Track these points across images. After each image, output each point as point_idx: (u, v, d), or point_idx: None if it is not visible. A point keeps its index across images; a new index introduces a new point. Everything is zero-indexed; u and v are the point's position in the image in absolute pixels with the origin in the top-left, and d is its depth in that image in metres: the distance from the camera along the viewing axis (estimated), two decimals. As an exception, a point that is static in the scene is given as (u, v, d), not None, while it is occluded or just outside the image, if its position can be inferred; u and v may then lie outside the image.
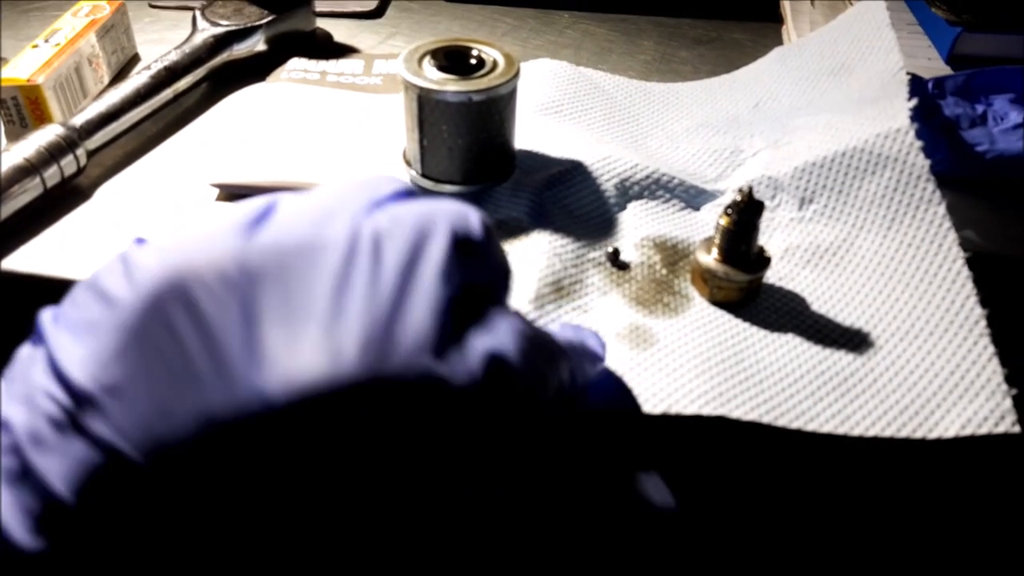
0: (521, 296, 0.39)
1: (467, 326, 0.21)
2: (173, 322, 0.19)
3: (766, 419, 0.33)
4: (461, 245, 0.22)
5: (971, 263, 0.37)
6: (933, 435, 0.32)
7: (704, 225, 0.45)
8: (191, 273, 0.20)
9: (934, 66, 0.60)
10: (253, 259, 0.20)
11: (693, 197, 0.47)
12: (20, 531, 0.19)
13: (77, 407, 0.19)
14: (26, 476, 0.19)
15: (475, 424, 0.21)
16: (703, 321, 0.39)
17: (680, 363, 0.35)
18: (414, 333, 0.20)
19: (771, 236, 0.43)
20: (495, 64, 0.44)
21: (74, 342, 0.20)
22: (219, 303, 0.19)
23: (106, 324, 0.19)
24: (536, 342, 0.23)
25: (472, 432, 0.21)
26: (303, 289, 0.20)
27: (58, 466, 0.18)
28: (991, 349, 0.34)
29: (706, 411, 0.33)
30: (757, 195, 0.44)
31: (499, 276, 0.25)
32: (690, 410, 0.33)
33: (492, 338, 0.21)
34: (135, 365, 0.19)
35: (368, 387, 0.19)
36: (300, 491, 0.19)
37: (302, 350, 0.19)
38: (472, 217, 0.23)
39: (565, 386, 0.25)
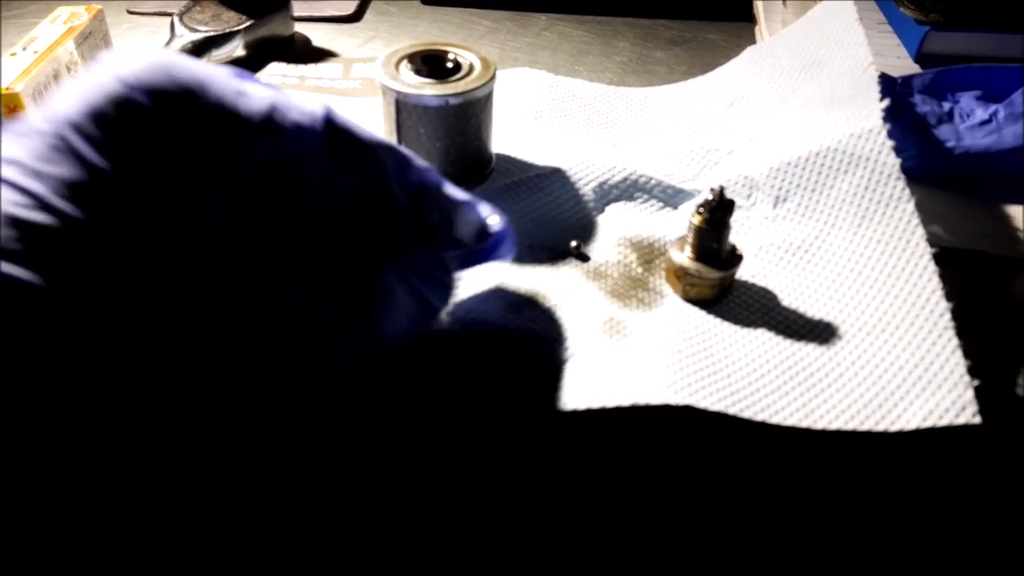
0: (500, 295, 0.40)
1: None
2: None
3: (732, 410, 0.33)
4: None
5: (937, 258, 0.38)
6: (895, 427, 0.32)
7: (681, 224, 0.46)
8: None
9: (903, 64, 0.61)
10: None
11: (671, 197, 0.47)
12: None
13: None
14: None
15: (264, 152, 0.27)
16: (675, 316, 0.39)
17: (651, 354, 0.36)
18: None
19: (746, 234, 0.44)
20: (471, 67, 0.45)
21: None
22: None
23: None
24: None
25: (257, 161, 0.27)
26: None
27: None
28: (955, 342, 0.35)
29: (674, 400, 0.33)
30: (733, 194, 0.45)
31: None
32: (658, 400, 0.33)
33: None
34: None
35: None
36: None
37: None
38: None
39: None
